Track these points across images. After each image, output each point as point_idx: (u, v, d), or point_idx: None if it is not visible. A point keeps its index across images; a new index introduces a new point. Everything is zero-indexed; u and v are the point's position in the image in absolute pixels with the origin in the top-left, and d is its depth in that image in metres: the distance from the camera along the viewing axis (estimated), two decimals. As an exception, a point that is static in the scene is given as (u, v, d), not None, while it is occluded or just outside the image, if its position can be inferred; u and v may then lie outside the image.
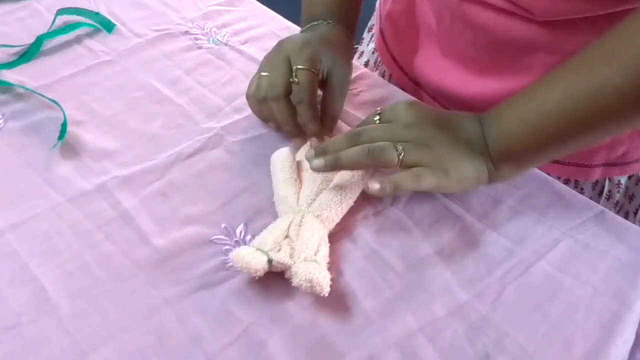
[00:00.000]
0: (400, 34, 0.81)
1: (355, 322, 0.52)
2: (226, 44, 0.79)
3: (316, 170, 0.58)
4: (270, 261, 0.52)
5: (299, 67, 0.62)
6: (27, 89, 0.68)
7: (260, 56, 0.77)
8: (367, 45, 0.93)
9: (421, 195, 0.62)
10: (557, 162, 0.73)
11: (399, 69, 0.82)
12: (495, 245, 0.58)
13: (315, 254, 0.53)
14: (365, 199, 0.61)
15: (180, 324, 0.50)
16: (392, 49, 0.83)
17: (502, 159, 0.58)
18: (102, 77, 0.73)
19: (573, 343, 0.51)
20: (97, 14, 0.80)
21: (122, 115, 0.68)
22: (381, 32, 0.86)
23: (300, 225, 0.55)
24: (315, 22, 0.71)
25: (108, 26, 0.79)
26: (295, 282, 0.51)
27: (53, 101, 0.67)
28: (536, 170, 0.65)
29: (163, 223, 0.58)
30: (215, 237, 0.57)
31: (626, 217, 0.76)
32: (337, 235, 0.58)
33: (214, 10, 0.84)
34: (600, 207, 0.62)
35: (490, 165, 0.58)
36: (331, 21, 0.71)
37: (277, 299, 0.53)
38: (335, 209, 0.57)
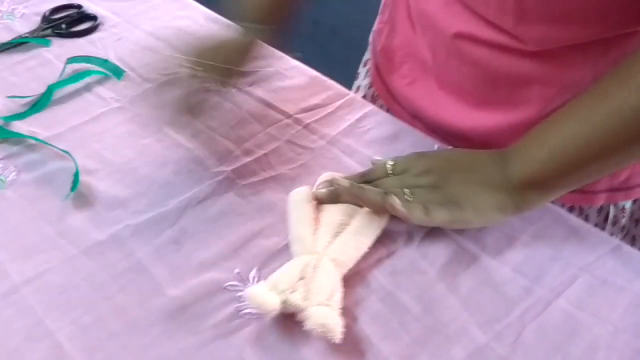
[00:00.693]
0: (396, 68, 0.81)
1: (374, 368, 0.51)
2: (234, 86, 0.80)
3: (319, 196, 0.60)
4: (284, 302, 0.52)
5: None
6: (38, 139, 0.69)
7: (268, 96, 0.78)
8: (363, 80, 0.93)
9: (435, 235, 0.61)
10: None
11: (396, 103, 0.82)
12: (511, 283, 0.57)
13: (329, 299, 0.53)
14: (379, 241, 0.60)
15: (197, 376, 0.50)
16: (388, 82, 0.83)
17: (527, 186, 0.58)
18: (113, 124, 0.73)
19: (596, 384, 0.50)
20: (105, 61, 0.80)
21: (133, 162, 0.68)
22: (376, 66, 0.86)
23: (315, 268, 0.55)
24: None
25: (117, 72, 0.79)
26: (307, 325, 0.50)
27: (65, 151, 0.67)
28: (550, 205, 0.65)
29: (177, 271, 0.58)
30: (229, 283, 0.57)
31: (633, 241, 0.76)
32: (351, 279, 0.57)
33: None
34: (616, 240, 0.61)
35: (515, 194, 0.58)
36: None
37: (293, 345, 0.52)
38: (350, 254, 0.57)
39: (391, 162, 0.63)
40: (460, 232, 0.62)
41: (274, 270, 0.57)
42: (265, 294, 0.52)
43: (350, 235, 0.58)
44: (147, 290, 0.56)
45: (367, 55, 0.93)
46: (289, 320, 0.53)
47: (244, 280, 0.57)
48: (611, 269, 0.58)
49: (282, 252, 0.60)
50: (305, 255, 0.57)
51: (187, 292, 0.56)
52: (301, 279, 0.54)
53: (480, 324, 0.54)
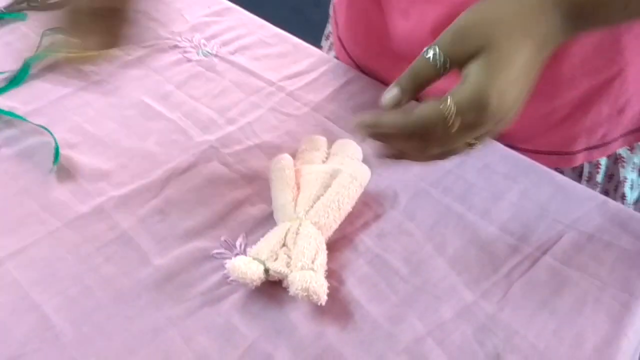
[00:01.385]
0: (360, 41, 0.80)
1: (362, 329, 0.51)
2: (216, 55, 0.78)
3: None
4: (266, 271, 0.52)
5: None
6: (15, 115, 0.68)
7: (251, 65, 0.77)
8: (327, 54, 0.92)
9: (421, 196, 0.61)
10: (537, 151, 0.72)
11: (365, 75, 0.80)
12: (498, 242, 0.57)
13: (313, 262, 0.52)
14: (365, 204, 0.60)
15: (185, 343, 0.50)
16: (354, 56, 0.82)
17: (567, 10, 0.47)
18: (93, 97, 0.72)
19: (583, 338, 0.50)
20: (84, 33, 0.79)
21: (115, 135, 0.67)
22: (339, 39, 0.85)
23: (297, 234, 0.55)
24: None
25: (96, 45, 0.78)
26: (292, 291, 0.50)
27: (43, 127, 0.66)
28: (536, 164, 0.65)
29: (162, 241, 0.57)
30: (216, 251, 0.56)
31: (606, 195, 0.76)
32: (337, 243, 0.57)
33: (201, 22, 0.83)
34: (602, 196, 0.61)
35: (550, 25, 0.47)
36: None
37: (281, 311, 0.52)
38: (333, 215, 0.57)
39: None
40: (446, 192, 0.62)
41: (261, 237, 0.57)
42: (248, 264, 0.52)
43: (331, 197, 0.58)
44: (133, 261, 0.55)
45: (329, 28, 0.91)
46: (277, 286, 0.53)
47: (230, 247, 0.57)
48: (598, 225, 0.58)
49: (269, 219, 0.59)
50: (287, 222, 0.56)
51: (173, 261, 0.55)
52: (283, 245, 0.54)
53: (468, 283, 0.54)
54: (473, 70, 0.44)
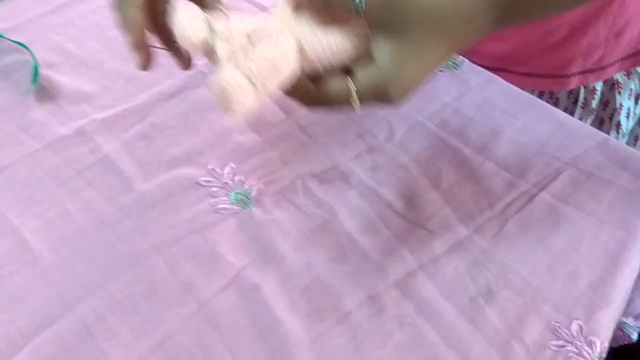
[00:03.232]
0: None
1: (352, 262, 0.50)
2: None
3: None
4: (206, 41, 0.40)
5: None
6: (-6, 31, 0.64)
7: None
8: None
9: (417, 130, 0.59)
10: (531, 74, 0.70)
11: None
12: (495, 178, 0.56)
13: (258, 77, 0.39)
14: (359, 135, 0.58)
15: (170, 271, 0.48)
16: None
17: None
18: (76, 15, 0.68)
19: (578, 275, 0.49)
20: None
21: (98, 56, 0.64)
22: None
23: (270, 36, 0.40)
24: None
25: (79, -39, 0.74)
26: (211, 88, 0.39)
27: (21, 44, 0.63)
28: (536, 99, 0.62)
29: (147, 167, 0.55)
30: (203, 178, 0.54)
31: (601, 124, 0.74)
32: (329, 173, 0.55)
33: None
34: (602, 134, 0.59)
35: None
36: None
37: (269, 240, 0.51)
38: (322, 47, 0.42)
39: None
40: (443, 127, 0.59)
41: (250, 166, 0.55)
42: (193, 20, 0.40)
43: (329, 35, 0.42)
44: (116, 186, 0.53)
45: None
46: (266, 216, 0.51)
47: (218, 175, 0.55)
48: (597, 163, 0.57)
49: (258, 148, 0.57)
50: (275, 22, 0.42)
51: (158, 187, 0.53)
52: (247, 36, 0.40)
53: (462, 217, 0.53)
54: (383, 55, 0.41)
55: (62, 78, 0.61)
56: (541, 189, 0.55)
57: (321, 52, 0.41)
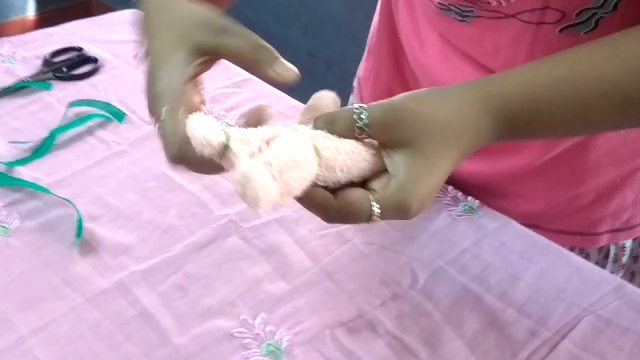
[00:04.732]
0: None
1: (382, 415, 0.51)
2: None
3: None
4: (227, 140, 0.40)
5: None
6: (40, 188, 0.69)
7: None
8: None
9: (439, 275, 0.62)
10: (562, 231, 0.73)
11: None
12: (516, 325, 0.58)
13: (279, 169, 0.39)
14: (383, 282, 0.61)
15: None
16: None
17: (500, 116, 0.47)
18: (116, 168, 0.74)
19: None
20: (107, 104, 0.81)
21: (136, 207, 0.69)
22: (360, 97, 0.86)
23: (288, 141, 0.41)
24: None
25: (119, 116, 0.80)
26: (232, 180, 0.39)
27: (66, 200, 0.67)
28: (552, 244, 0.65)
29: (182, 319, 0.58)
30: (236, 330, 0.57)
31: (632, 277, 0.76)
32: (356, 323, 0.57)
33: (221, 93, 0.86)
34: (618, 279, 0.62)
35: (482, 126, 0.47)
36: None
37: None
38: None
39: None
40: (463, 272, 0.62)
41: (280, 315, 0.58)
42: (208, 123, 0.40)
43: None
44: (153, 339, 0.56)
45: (352, 98, 0.93)
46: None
47: (250, 326, 0.57)
48: (615, 309, 0.59)
49: (287, 297, 0.60)
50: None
51: (193, 340, 0.56)
52: (265, 141, 0.41)
53: (487, 367, 0.54)
54: (399, 169, 0.43)
55: (103, 230, 0.65)
56: (562, 337, 0.56)
57: (339, 158, 0.43)
